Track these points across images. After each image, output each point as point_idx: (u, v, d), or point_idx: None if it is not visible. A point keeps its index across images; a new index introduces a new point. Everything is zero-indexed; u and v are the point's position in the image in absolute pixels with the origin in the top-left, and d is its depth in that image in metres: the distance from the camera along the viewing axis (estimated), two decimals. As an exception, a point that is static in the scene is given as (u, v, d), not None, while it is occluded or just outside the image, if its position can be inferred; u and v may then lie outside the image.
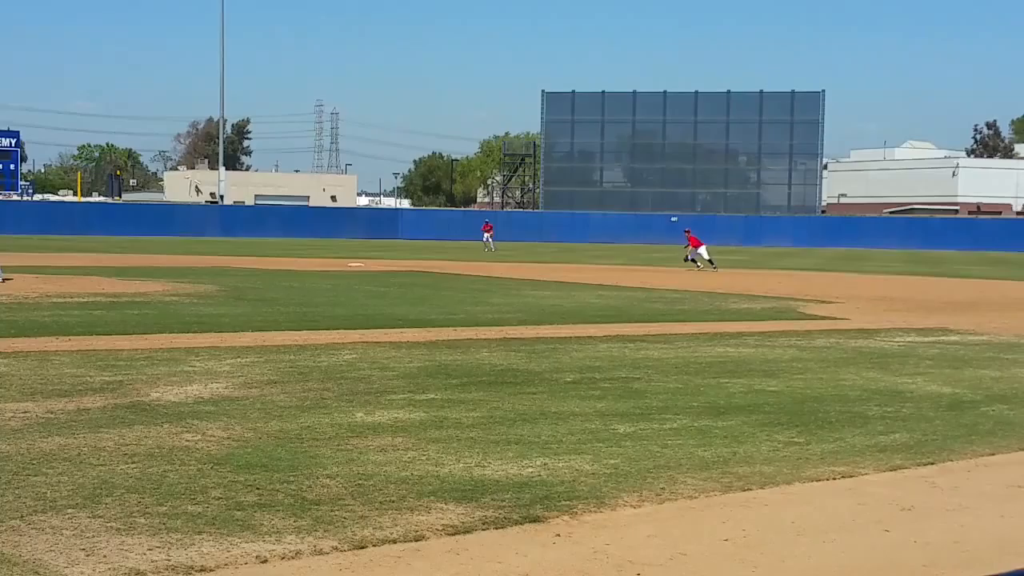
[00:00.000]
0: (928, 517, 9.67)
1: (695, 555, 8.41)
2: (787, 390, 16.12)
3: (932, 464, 11.62)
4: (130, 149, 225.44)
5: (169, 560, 7.83)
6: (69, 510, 8.97)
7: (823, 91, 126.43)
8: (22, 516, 8.77)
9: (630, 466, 10.98)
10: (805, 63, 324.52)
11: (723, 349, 20.93)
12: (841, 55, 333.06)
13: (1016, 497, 10.47)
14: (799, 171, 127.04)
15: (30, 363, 16.92)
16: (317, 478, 10.16)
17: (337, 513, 9.06)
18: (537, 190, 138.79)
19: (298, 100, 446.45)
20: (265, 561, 7.93)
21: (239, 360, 17.77)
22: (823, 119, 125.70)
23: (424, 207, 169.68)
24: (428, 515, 9.09)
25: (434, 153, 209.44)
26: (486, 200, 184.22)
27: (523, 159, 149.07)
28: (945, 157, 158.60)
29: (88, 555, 7.91)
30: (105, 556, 7.90)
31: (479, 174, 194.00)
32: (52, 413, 13.00)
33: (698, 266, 53.52)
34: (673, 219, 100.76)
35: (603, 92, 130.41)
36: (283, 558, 7.99)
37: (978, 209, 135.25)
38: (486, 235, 79.63)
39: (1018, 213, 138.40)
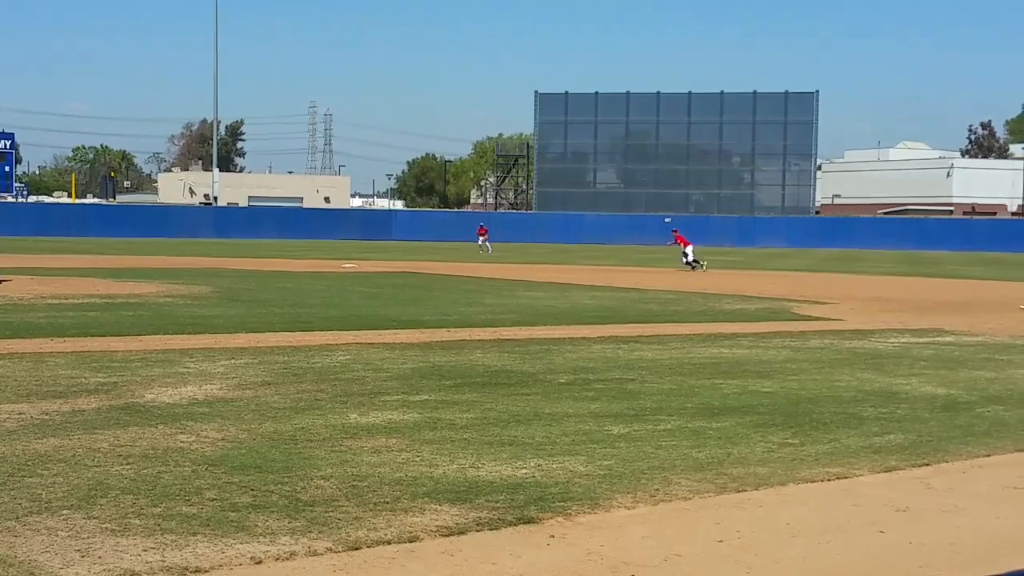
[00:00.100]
0: (923, 518, 9.68)
1: (689, 556, 8.41)
2: (781, 391, 16.13)
3: (927, 465, 11.63)
4: (124, 151, 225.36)
5: (164, 561, 7.83)
6: (64, 511, 8.96)
7: (817, 91, 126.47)
8: (17, 517, 8.77)
9: (624, 467, 10.98)
10: (799, 63, 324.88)
11: (717, 350, 20.93)
12: (835, 55, 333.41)
13: (1011, 498, 10.47)
14: (793, 172, 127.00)
15: (25, 364, 16.91)
16: (311, 479, 10.16)
17: (331, 514, 9.06)
18: (530, 191, 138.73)
19: (292, 101, 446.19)
20: (260, 562, 7.92)
21: (233, 361, 17.77)
22: (817, 119, 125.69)
23: (417, 208, 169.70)
24: (422, 516, 9.09)
25: (427, 154, 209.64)
26: (479, 201, 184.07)
27: (516, 160, 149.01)
28: (940, 158, 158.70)
29: (83, 556, 7.91)
30: (100, 557, 7.89)
31: (472, 175, 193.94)
32: (47, 414, 12.99)
33: (690, 266, 53.60)
34: (667, 220, 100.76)
35: (596, 93, 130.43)
36: (277, 559, 7.99)
37: (973, 210, 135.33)
38: (481, 238, 79.55)
39: (1013, 214, 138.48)
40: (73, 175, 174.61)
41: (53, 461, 10.61)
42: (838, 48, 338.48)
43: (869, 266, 63.65)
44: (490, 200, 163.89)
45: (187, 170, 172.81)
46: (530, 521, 9.08)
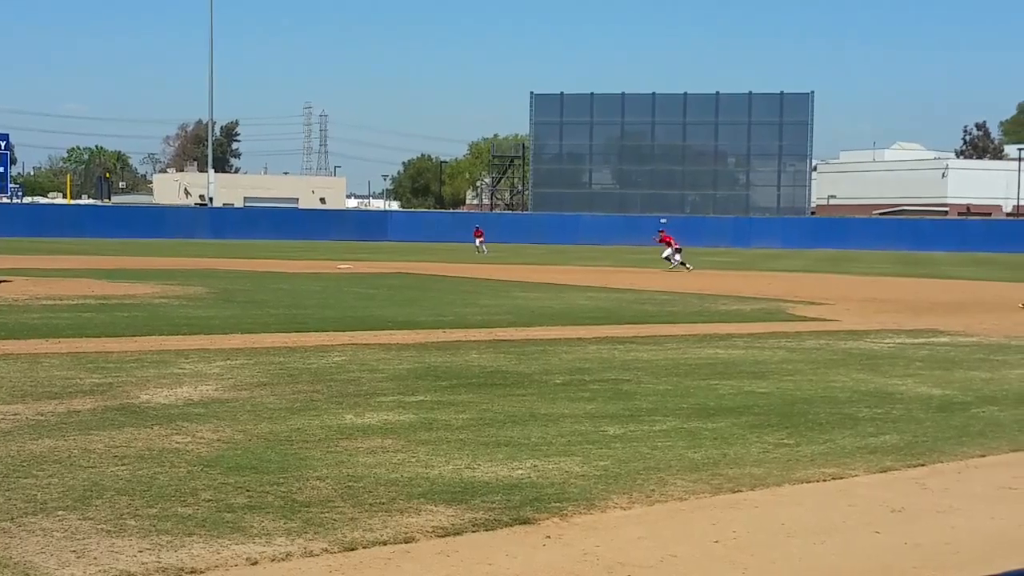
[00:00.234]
0: (918, 518, 9.68)
1: (685, 557, 8.42)
2: (777, 391, 16.13)
3: (922, 466, 11.64)
4: (119, 151, 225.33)
5: (159, 562, 7.83)
6: (59, 512, 8.96)
7: (812, 92, 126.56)
8: (12, 518, 8.76)
9: (620, 468, 10.98)
10: (794, 64, 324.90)
11: (713, 351, 20.94)
12: (830, 56, 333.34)
13: (1006, 498, 10.48)
14: (788, 172, 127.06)
15: (20, 365, 16.91)
16: (307, 480, 10.16)
17: (327, 515, 9.06)
18: (526, 192, 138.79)
19: (287, 102, 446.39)
20: (255, 563, 7.92)
21: (229, 362, 17.76)
22: (812, 120, 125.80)
23: (413, 209, 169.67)
24: (418, 517, 9.09)
25: (423, 155, 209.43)
26: (475, 202, 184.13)
27: (512, 161, 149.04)
28: (934, 158, 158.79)
29: (79, 557, 7.91)
30: (95, 558, 7.89)
31: (468, 176, 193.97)
32: (42, 415, 12.99)
33: (672, 265, 53.84)
34: (663, 220, 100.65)
35: (592, 94, 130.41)
36: (273, 560, 7.99)
37: (968, 210, 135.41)
38: (478, 240, 79.59)
39: (1008, 214, 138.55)
40: (68, 176, 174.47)
41: (48, 462, 10.61)
42: (834, 49, 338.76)
43: (864, 267, 63.67)
44: (486, 201, 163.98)
45: (182, 171, 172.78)
46: (526, 522, 9.08)
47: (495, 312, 28.46)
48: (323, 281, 41.21)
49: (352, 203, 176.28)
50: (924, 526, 9.45)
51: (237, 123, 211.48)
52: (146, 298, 30.56)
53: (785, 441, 12.58)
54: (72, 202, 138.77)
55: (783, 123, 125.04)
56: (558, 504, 9.58)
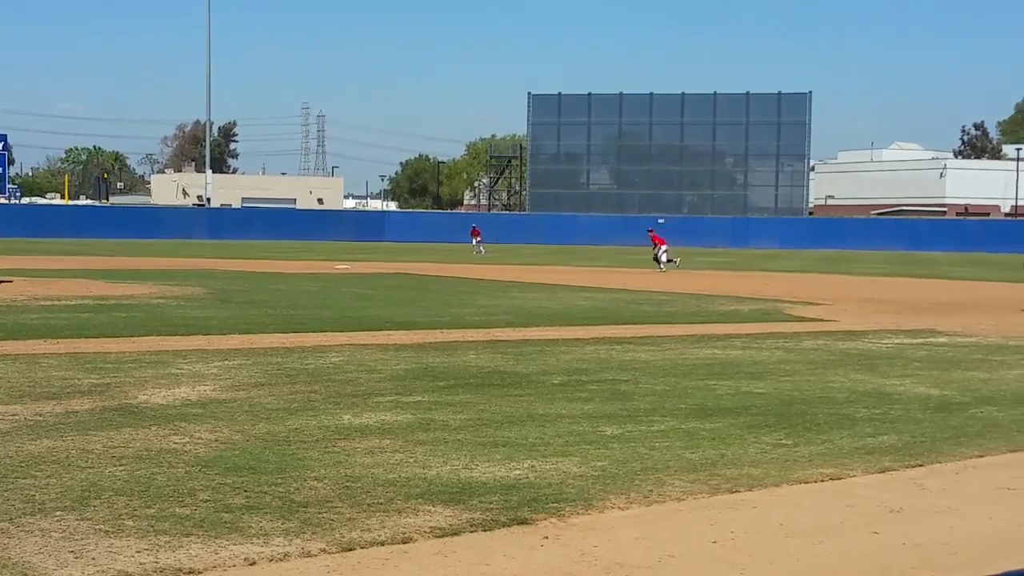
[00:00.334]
0: (917, 519, 9.69)
1: (683, 557, 8.42)
2: (775, 392, 16.14)
3: (921, 466, 11.64)
4: (117, 152, 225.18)
5: (157, 562, 7.83)
6: (58, 512, 8.96)
7: (810, 92, 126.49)
8: (11, 519, 8.76)
9: (618, 468, 10.99)
10: (792, 64, 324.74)
11: (711, 351, 20.95)
12: (828, 56, 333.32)
13: (1005, 499, 10.48)
14: (786, 172, 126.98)
15: (18, 366, 16.90)
16: (305, 480, 10.16)
17: (325, 515, 9.06)
18: (524, 192, 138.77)
19: (284, 103, 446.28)
20: (253, 563, 7.92)
21: (226, 362, 17.77)
22: (810, 120, 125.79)
23: (410, 209, 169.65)
24: (415, 517, 9.09)
25: (420, 155, 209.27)
26: (473, 202, 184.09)
27: (509, 161, 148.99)
28: (933, 158, 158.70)
29: (77, 557, 7.91)
30: (94, 558, 7.89)
31: (465, 176, 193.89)
32: (40, 415, 12.99)
33: (661, 266, 54.07)
34: (660, 221, 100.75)
35: (589, 94, 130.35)
36: (271, 560, 7.99)
37: (966, 210, 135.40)
38: (475, 240, 79.63)
39: (1006, 214, 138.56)
40: (66, 176, 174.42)
41: (46, 462, 10.61)
42: (832, 49, 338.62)
43: (862, 267, 63.68)
44: (483, 201, 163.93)
45: (180, 171, 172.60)
46: (523, 522, 9.08)
47: (493, 312, 28.47)
48: (321, 281, 41.20)
49: (350, 203, 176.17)
50: (922, 526, 9.45)
51: (235, 123, 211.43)
52: (144, 298, 30.56)
53: (783, 441, 12.59)
54: (70, 202, 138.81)
55: (781, 123, 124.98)
56: (556, 504, 9.58)
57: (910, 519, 9.65)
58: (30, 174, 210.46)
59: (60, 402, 13.89)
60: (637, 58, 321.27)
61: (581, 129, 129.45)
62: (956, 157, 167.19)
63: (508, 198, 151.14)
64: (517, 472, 10.71)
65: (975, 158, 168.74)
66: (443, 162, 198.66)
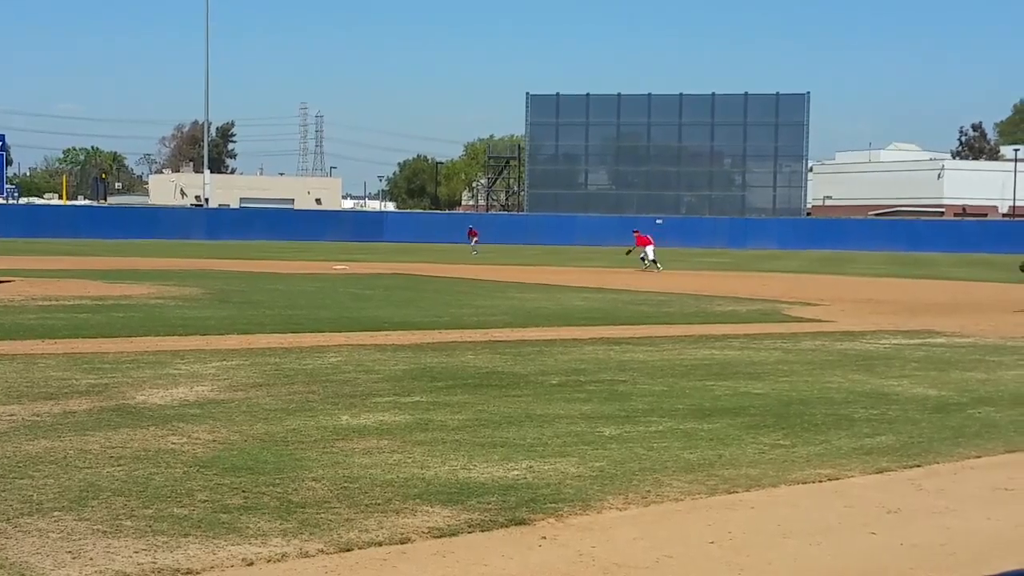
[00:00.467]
0: (914, 519, 9.69)
1: (681, 557, 8.42)
2: (773, 392, 16.14)
3: (918, 466, 11.64)
4: (115, 152, 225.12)
5: (155, 563, 7.82)
6: (55, 513, 8.95)
7: (808, 93, 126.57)
8: (8, 519, 8.76)
9: (616, 469, 10.99)
10: (790, 65, 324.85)
11: (709, 351, 20.94)
12: (826, 57, 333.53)
13: (1002, 499, 10.49)
14: (784, 173, 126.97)
15: (16, 366, 16.90)
16: (303, 481, 10.15)
17: (323, 515, 9.06)
18: (522, 193, 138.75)
19: (283, 103, 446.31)
20: (251, 564, 7.92)
21: (224, 363, 17.76)
22: (808, 121, 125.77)
23: (409, 210, 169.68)
24: (414, 517, 9.09)
25: (419, 156, 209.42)
26: (471, 203, 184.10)
27: (508, 162, 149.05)
28: (930, 159, 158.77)
29: (74, 558, 7.91)
30: (91, 559, 7.89)
31: (464, 177, 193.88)
32: (38, 416, 12.98)
33: (644, 266, 54.42)
34: (658, 221, 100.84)
35: (587, 94, 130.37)
36: (269, 560, 7.99)
37: (964, 211, 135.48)
38: (473, 240, 79.78)
39: (1004, 215, 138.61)
40: (64, 177, 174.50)
41: (44, 463, 10.61)
42: (829, 50, 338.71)
43: (860, 267, 63.72)
44: (481, 202, 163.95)
45: (178, 171, 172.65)
46: (521, 523, 9.08)
47: (491, 313, 28.46)
48: (319, 282, 41.20)
49: (348, 204, 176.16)
50: (920, 527, 9.45)
51: (233, 124, 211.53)
52: (142, 299, 30.55)
53: (781, 442, 12.59)
54: (68, 203, 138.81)
55: (779, 124, 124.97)
56: (554, 505, 9.58)
57: (908, 520, 9.65)
58: (28, 174, 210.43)
59: (58, 402, 13.88)
60: (635, 59, 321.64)
61: (579, 130, 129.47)
62: (954, 158, 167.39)
63: (506, 199, 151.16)
64: (515, 472, 10.71)
65: (973, 159, 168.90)
66: (441, 163, 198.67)
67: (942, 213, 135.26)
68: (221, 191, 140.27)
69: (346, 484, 10.07)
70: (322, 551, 8.22)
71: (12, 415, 12.98)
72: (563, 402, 14.82)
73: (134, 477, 10.14)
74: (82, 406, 13.67)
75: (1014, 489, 10.88)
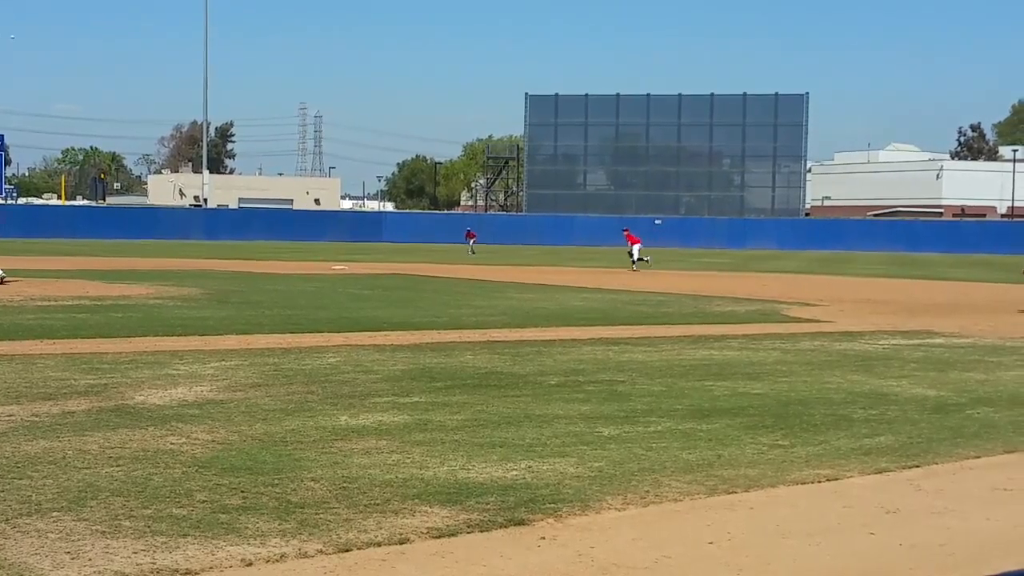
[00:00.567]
0: (913, 520, 9.68)
1: (680, 558, 8.42)
2: (772, 393, 16.14)
3: (917, 467, 11.64)
4: (114, 152, 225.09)
5: (154, 563, 7.82)
6: (54, 513, 8.95)
7: (807, 93, 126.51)
8: (7, 519, 8.75)
9: (615, 469, 10.98)
10: (789, 66, 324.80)
11: (707, 352, 20.94)
12: (825, 57, 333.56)
13: (1001, 499, 10.49)
14: (783, 174, 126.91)
15: (14, 366, 16.88)
16: (302, 481, 10.15)
17: (322, 516, 9.05)
18: (521, 193, 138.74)
19: (282, 103, 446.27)
20: (250, 564, 7.92)
21: (223, 363, 17.75)
22: (807, 122, 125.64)
23: (408, 210, 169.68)
24: (413, 518, 9.09)
25: (417, 156, 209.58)
26: (470, 203, 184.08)
27: (506, 162, 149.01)
28: (929, 160, 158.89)
29: (73, 558, 7.90)
30: (90, 559, 7.88)
31: (463, 177, 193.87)
32: (37, 416, 12.97)
33: (634, 265, 54.68)
34: (657, 222, 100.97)
35: (586, 95, 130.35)
36: (268, 561, 7.98)
37: (962, 212, 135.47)
38: (471, 241, 79.84)
39: (1002, 216, 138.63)
40: (63, 177, 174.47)
41: (43, 463, 10.60)
42: (828, 51, 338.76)
43: (859, 268, 63.72)
44: (480, 202, 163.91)
45: (177, 172, 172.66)
46: (520, 523, 9.08)
47: (490, 313, 28.46)
48: (317, 282, 41.18)
49: (347, 204, 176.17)
50: (919, 527, 9.45)
51: (232, 124, 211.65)
52: (141, 299, 30.54)
53: (780, 442, 12.59)
54: (67, 203, 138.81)
55: (778, 124, 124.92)
56: (553, 505, 9.58)
57: (907, 520, 9.65)
58: (27, 174, 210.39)
59: (56, 403, 13.87)
60: (634, 59, 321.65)
61: (578, 130, 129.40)
62: (953, 158, 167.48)
63: (505, 199, 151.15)
64: (514, 473, 10.71)
65: (972, 159, 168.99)
66: (440, 163, 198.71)
67: (941, 214, 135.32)
68: (220, 191, 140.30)
69: (345, 484, 10.07)
70: (321, 551, 8.22)
71: (11, 415, 12.97)
72: (562, 402, 14.82)
73: (133, 477, 10.14)
74: (81, 406, 13.67)
75: (1013, 489, 10.88)
